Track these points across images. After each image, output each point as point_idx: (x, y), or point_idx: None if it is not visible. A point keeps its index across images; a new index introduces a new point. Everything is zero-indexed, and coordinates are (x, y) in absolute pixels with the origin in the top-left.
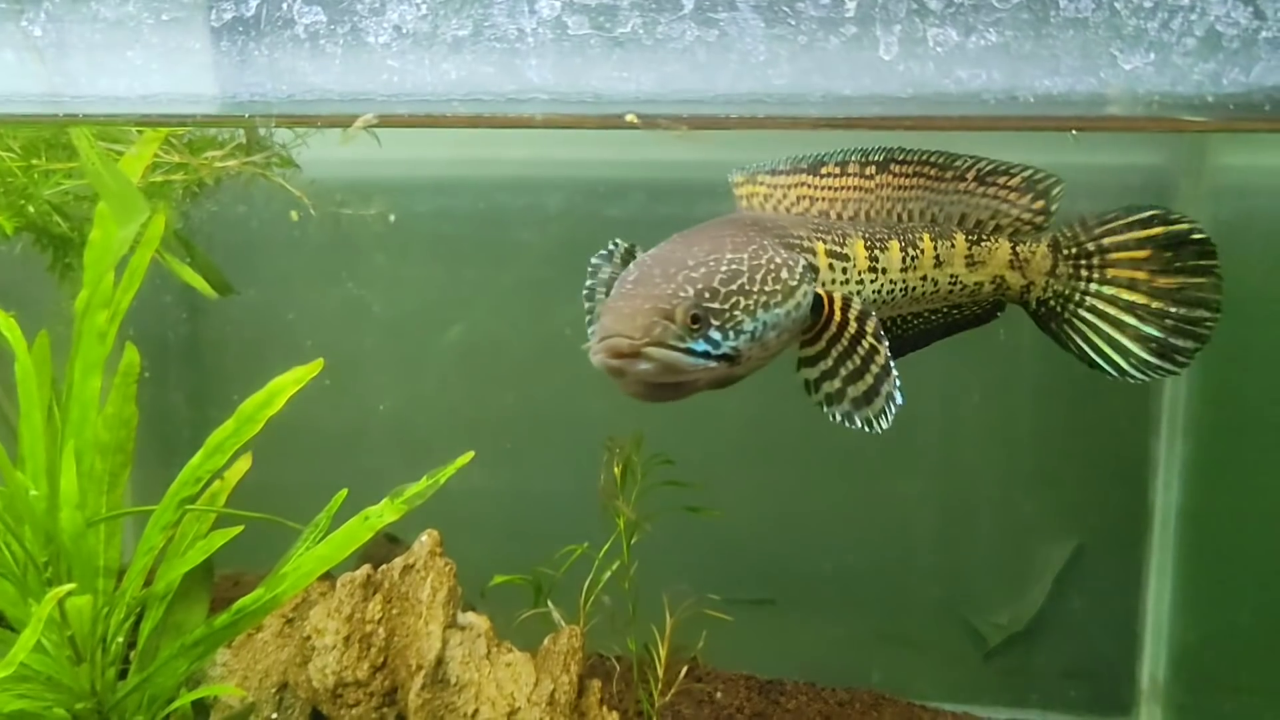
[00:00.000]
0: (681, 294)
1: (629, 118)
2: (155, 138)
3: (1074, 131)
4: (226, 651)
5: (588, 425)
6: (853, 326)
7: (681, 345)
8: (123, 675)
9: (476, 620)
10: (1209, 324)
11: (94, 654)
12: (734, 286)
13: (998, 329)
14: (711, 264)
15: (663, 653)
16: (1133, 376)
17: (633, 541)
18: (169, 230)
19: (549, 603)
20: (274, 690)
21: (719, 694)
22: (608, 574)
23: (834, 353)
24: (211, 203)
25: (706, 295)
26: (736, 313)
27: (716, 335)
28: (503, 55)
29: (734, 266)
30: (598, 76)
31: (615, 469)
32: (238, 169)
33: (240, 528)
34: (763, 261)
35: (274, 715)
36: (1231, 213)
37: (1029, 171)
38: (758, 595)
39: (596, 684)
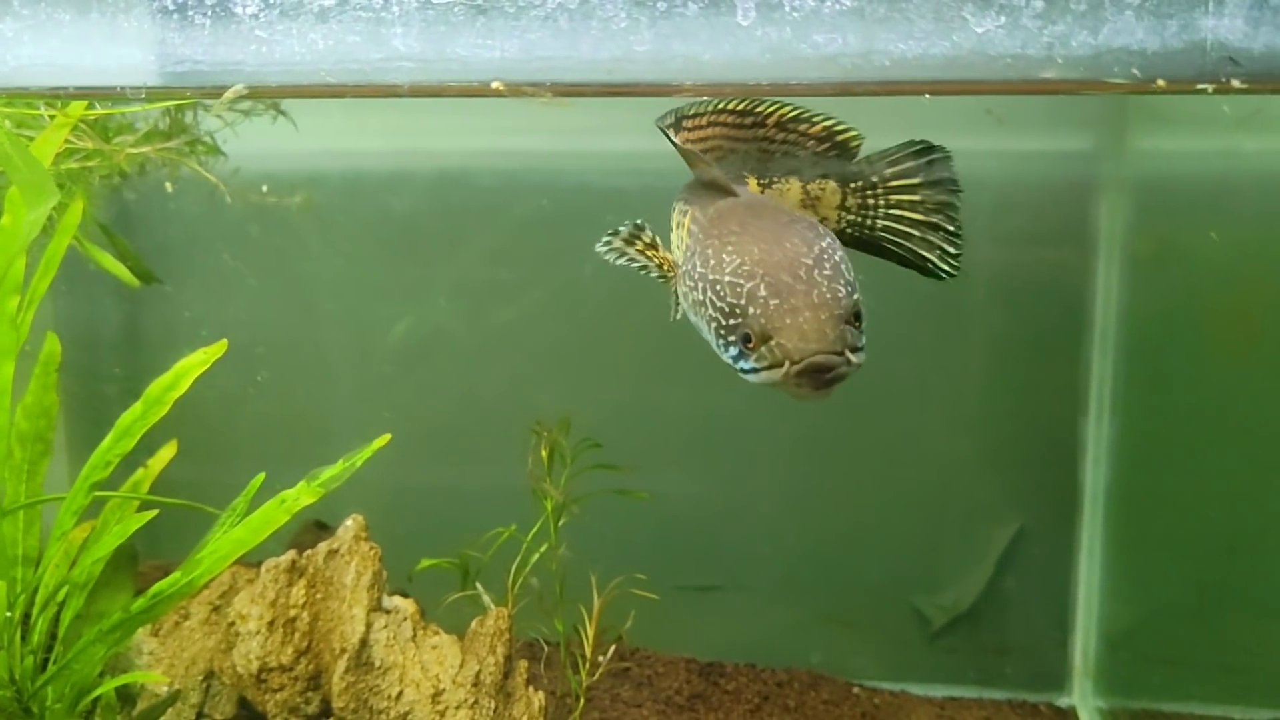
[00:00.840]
0: (842, 297)
1: (495, 85)
2: (66, 122)
3: (989, 110)
4: (153, 640)
5: (530, 412)
6: None
7: (861, 344)
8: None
9: (402, 604)
10: (957, 224)
11: (12, 642)
12: (853, 275)
13: (935, 317)
14: (828, 257)
15: (590, 633)
16: (933, 276)
17: (561, 524)
18: (89, 218)
19: (478, 585)
20: (201, 678)
21: (652, 673)
22: (536, 556)
23: None
24: (136, 192)
25: (852, 289)
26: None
27: (862, 325)
28: (368, 24)
29: (840, 253)
30: (463, 44)
31: (543, 453)
32: (154, 155)
33: (155, 512)
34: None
35: (202, 703)
36: (1152, 196)
37: (830, 121)
38: (705, 582)
39: (523, 664)
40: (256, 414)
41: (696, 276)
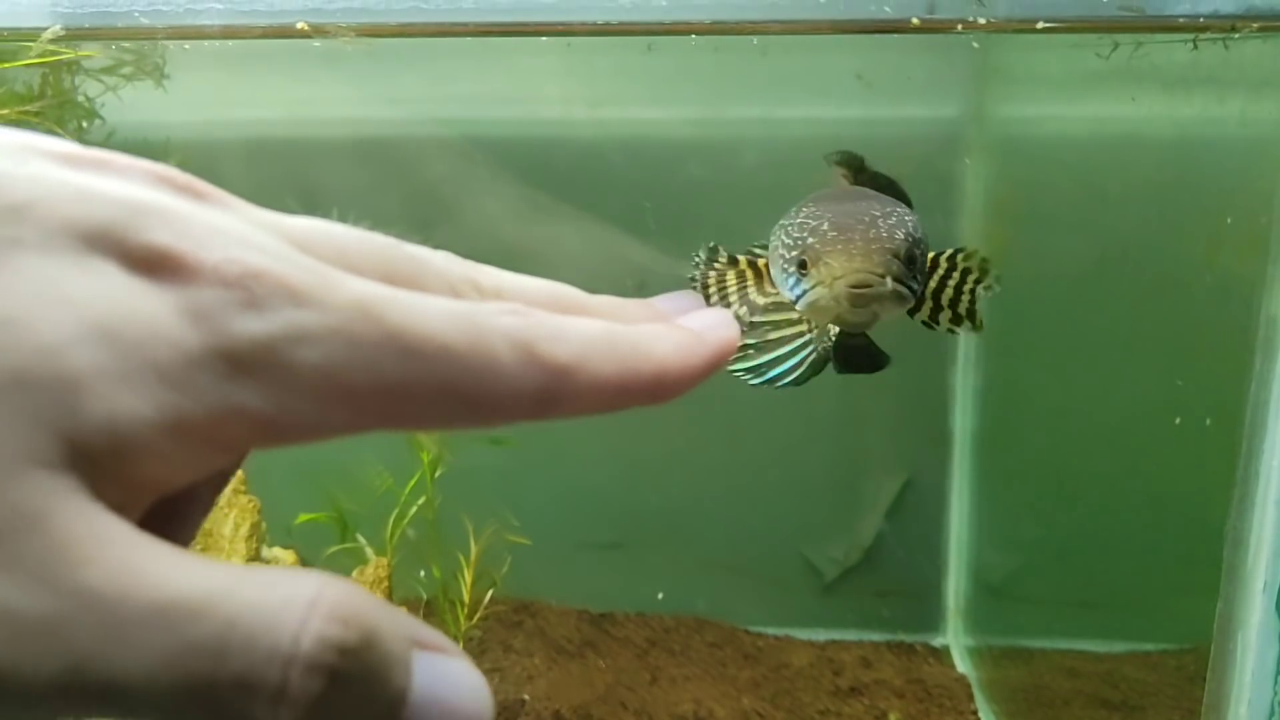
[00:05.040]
0: (899, 239)
1: (300, 25)
2: None
3: (859, 74)
4: None
5: None
6: None
7: (907, 280)
8: None
9: (282, 554)
10: None
11: None
12: (922, 235)
13: None
14: (897, 216)
15: (468, 580)
16: None
17: (437, 475)
18: None
19: (359, 538)
20: None
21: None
22: (414, 509)
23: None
24: None
25: (913, 241)
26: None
27: (920, 274)
28: None
29: (912, 219)
30: None
31: None
32: (14, 117)
33: None
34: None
35: None
36: (1010, 158)
37: None
38: (606, 540)
39: (401, 610)
40: None
41: (777, 230)
